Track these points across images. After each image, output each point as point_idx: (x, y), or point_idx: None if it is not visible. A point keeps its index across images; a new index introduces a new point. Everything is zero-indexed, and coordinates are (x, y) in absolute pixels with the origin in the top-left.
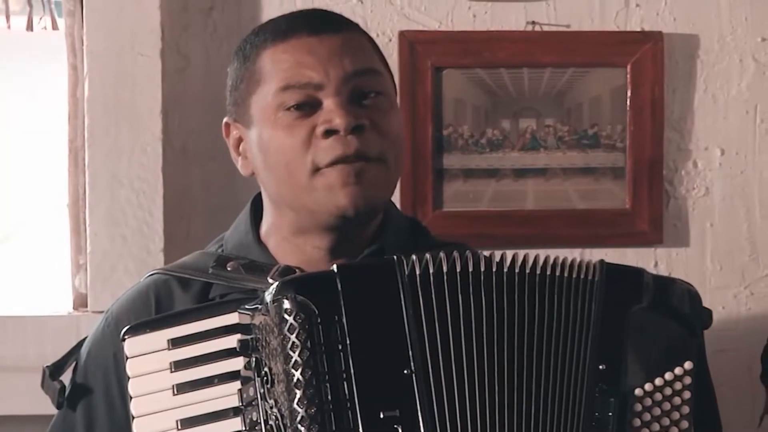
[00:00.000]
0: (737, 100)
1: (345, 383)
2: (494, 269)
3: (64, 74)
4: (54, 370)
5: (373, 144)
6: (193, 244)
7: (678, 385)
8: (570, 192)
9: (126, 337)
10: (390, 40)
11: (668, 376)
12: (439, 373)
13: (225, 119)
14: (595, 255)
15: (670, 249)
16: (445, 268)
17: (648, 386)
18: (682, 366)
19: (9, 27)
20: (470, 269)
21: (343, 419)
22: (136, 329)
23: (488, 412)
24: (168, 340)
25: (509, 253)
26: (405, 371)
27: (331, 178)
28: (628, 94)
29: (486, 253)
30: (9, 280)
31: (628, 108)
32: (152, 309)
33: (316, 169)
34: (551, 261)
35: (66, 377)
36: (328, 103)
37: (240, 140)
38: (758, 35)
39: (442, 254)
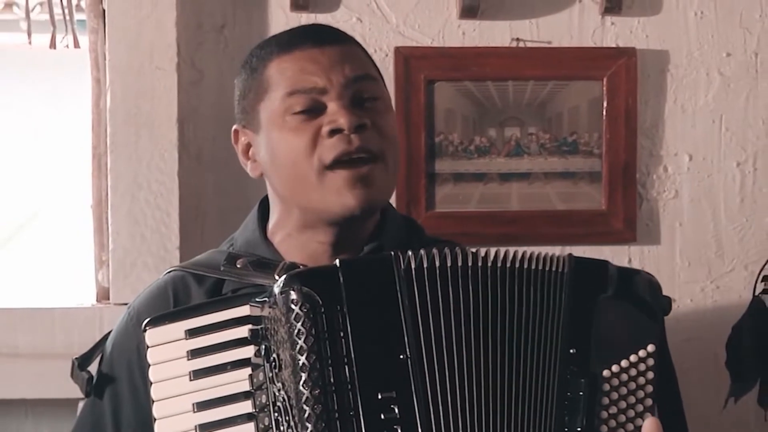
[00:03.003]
0: (704, 110)
1: (346, 367)
2: (479, 264)
3: (87, 87)
4: (82, 362)
5: (374, 142)
6: (206, 243)
7: (642, 366)
8: (551, 194)
9: (147, 328)
10: (386, 55)
11: (633, 358)
12: (432, 359)
13: (234, 127)
14: (574, 252)
15: (643, 247)
16: (437, 263)
17: (615, 368)
18: (645, 349)
19: (30, 43)
20: (459, 264)
21: (345, 400)
22: (156, 321)
23: (477, 394)
24: (185, 331)
25: (492, 250)
26: (401, 356)
27: (339, 181)
28: (604, 104)
29: (473, 249)
30: (38, 276)
31: (604, 117)
32: (170, 303)
33: (322, 167)
34: (521, 255)
35: (93, 368)
36: (332, 105)
37: (249, 145)
38: (723, 51)
39: (435, 250)
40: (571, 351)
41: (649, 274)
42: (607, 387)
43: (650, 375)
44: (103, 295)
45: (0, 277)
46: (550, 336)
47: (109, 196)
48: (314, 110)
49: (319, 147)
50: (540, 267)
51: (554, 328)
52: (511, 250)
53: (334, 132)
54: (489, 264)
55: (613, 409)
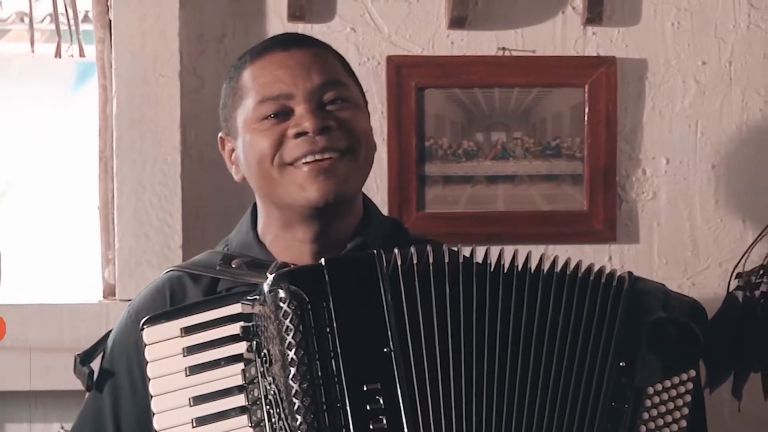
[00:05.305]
0: (681, 115)
1: (333, 361)
2: (528, 269)
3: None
4: (84, 358)
5: (340, 140)
6: (207, 242)
7: (682, 389)
8: (535, 196)
9: (144, 326)
10: (379, 64)
11: (675, 379)
12: (419, 351)
13: (219, 134)
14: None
15: (623, 245)
16: (431, 260)
17: (658, 386)
18: (687, 372)
19: (33, 51)
20: (460, 261)
21: (332, 392)
22: (153, 320)
23: (472, 386)
24: (181, 329)
25: (546, 253)
26: (385, 350)
27: (301, 175)
28: (586, 110)
29: (467, 250)
30: (49, 274)
31: (585, 123)
32: (167, 302)
33: (283, 163)
34: (584, 266)
35: (95, 364)
36: (299, 109)
37: (233, 151)
38: (699, 60)
39: (428, 248)
40: (621, 364)
41: (699, 304)
42: (648, 403)
43: (687, 398)
44: (110, 292)
45: (15, 274)
46: (596, 345)
47: (115, 198)
48: (282, 114)
49: (283, 147)
50: (601, 280)
51: (605, 339)
52: (563, 255)
53: (299, 134)
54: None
55: (651, 425)
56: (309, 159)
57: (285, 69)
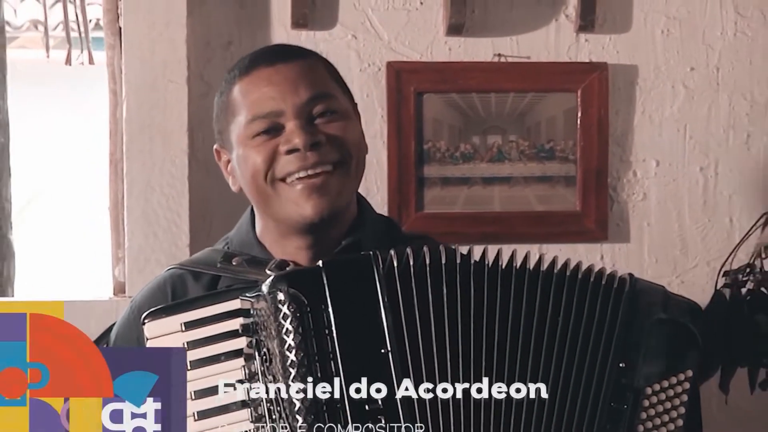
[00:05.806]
0: (670, 119)
1: (332, 362)
2: (531, 267)
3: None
4: None
5: (330, 154)
6: (213, 241)
7: (679, 389)
8: (530, 197)
9: (146, 321)
10: (379, 70)
11: (673, 379)
12: (415, 350)
13: (215, 146)
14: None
15: (614, 245)
16: (427, 260)
17: (656, 386)
18: (684, 373)
19: (48, 56)
20: (457, 261)
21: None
22: (155, 314)
23: (470, 386)
24: (181, 323)
25: (544, 253)
26: (382, 350)
27: (295, 193)
28: (579, 114)
29: (462, 250)
30: (61, 273)
31: (578, 126)
32: (169, 298)
33: (276, 180)
34: (583, 267)
35: None
36: (289, 125)
37: (228, 162)
38: (687, 66)
39: (425, 248)
40: (621, 365)
41: (698, 305)
42: (646, 403)
43: (684, 398)
44: (120, 289)
45: (29, 272)
46: (595, 346)
47: (125, 199)
48: (273, 130)
49: (275, 163)
50: (602, 281)
51: (606, 340)
52: (562, 255)
53: (290, 151)
54: (542, 270)
55: (649, 425)
56: (301, 174)
57: (273, 85)
